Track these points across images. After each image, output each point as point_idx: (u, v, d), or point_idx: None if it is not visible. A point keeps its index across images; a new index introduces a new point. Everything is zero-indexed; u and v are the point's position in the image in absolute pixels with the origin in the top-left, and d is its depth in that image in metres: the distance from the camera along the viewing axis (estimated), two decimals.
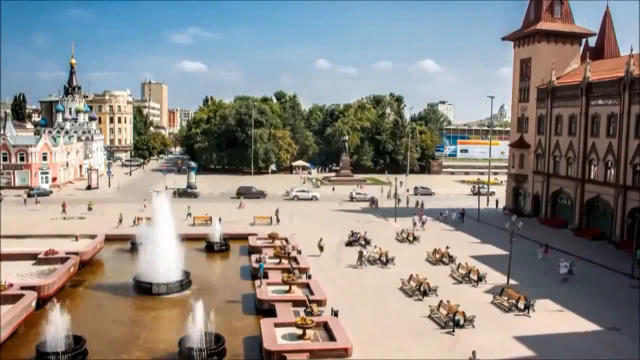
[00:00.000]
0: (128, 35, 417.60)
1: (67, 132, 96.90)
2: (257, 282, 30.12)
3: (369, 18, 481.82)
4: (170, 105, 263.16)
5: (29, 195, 68.29)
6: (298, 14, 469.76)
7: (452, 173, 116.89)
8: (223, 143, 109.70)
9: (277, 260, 35.31)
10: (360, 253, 38.18)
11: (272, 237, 42.38)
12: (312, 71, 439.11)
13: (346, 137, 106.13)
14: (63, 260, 33.07)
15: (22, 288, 26.97)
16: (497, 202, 67.95)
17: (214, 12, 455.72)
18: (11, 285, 27.28)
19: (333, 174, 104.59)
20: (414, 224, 50.98)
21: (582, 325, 27.04)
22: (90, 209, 58.20)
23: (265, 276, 31.15)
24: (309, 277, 31.90)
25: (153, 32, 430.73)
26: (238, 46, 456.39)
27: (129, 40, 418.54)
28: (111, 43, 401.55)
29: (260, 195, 74.58)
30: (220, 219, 45.15)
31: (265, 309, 26.66)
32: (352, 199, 73.50)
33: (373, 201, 67.53)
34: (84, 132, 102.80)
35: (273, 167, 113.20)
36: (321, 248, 40.07)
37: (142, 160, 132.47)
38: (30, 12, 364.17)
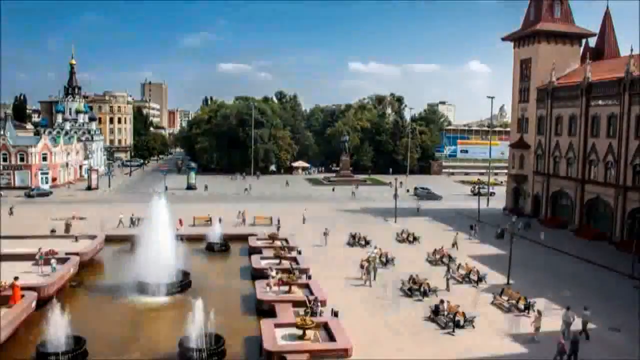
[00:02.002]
0: (146, 35, 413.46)
1: (67, 133, 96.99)
2: (260, 283, 29.92)
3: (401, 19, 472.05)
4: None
5: None
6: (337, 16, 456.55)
7: (452, 173, 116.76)
8: (224, 143, 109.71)
9: (277, 261, 35.30)
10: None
11: (272, 237, 42.38)
12: (343, 73, 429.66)
13: (346, 138, 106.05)
14: (63, 260, 33.07)
15: (23, 288, 26.97)
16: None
17: (248, 12, 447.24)
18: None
19: (333, 174, 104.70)
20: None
21: None
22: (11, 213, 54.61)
23: (266, 277, 30.99)
24: (309, 277, 31.91)
25: (168, 34, 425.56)
26: (267, 47, 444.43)
27: (145, 41, 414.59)
28: (130, 44, 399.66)
29: None
30: (220, 219, 45.15)
31: (265, 310, 26.68)
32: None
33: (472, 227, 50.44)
34: (83, 133, 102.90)
35: (273, 167, 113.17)
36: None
37: (142, 161, 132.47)
38: (46, 16, 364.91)
